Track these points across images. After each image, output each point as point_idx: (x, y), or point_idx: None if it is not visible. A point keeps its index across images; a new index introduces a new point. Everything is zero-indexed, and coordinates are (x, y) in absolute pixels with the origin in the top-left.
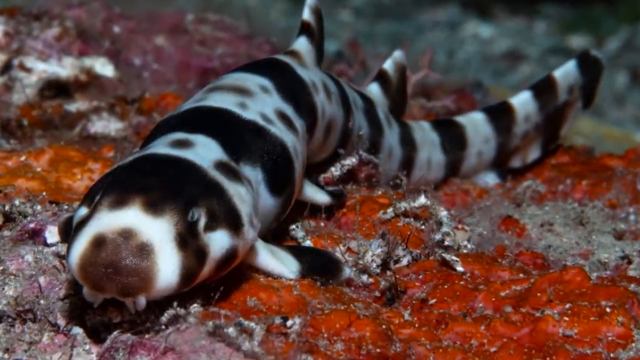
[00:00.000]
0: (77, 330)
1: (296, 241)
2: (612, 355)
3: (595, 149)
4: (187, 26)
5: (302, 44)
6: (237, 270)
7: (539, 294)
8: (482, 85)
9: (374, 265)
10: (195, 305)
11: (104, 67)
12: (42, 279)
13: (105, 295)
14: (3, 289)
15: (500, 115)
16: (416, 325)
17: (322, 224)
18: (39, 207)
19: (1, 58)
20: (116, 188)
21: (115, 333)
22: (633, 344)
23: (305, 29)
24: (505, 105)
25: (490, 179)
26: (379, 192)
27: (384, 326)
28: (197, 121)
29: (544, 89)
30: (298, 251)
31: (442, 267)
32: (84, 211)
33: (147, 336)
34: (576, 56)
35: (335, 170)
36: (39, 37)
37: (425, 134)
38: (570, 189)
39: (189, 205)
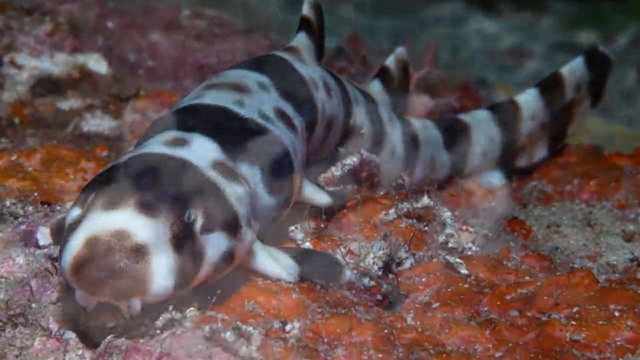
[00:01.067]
0: (70, 335)
1: (295, 243)
2: None
3: (604, 148)
4: (183, 21)
5: (301, 40)
6: (235, 273)
7: (545, 298)
8: (486, 82)
9: (376, 267)
10: (191, 309)
11: (97, 64)
12: (33, 282)
13: (98, 299)
14: None
15: (506, 113)
16: (419, 330)
17: (322, 225)
18: (30, 208)
19: None
20: (110, 188)
21: (109, 338)
22: None
23: (304, 25)
24: (511, 103)
25: (495, 178)
26: (381, 193)
27: (386, 331)
28: (194, 119)
29: (550, 86)
30: (297, 253)
31: (446, 269)
32: (77, 212)
33: (141, 341)
34: (584, 52)
35: (335, 170)
36: (31, 32)
37: (428, 132)
38: (578, 189)
39: (185, 206)
